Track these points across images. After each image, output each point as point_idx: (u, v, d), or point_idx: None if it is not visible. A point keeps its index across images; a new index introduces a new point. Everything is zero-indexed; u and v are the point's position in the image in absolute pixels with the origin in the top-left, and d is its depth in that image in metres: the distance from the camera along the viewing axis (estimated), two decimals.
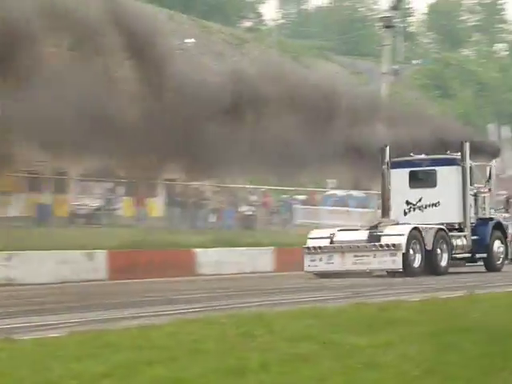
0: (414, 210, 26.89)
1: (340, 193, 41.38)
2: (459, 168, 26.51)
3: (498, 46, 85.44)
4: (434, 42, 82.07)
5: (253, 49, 56.54)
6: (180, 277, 25.23)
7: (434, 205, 26.72)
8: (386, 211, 26.62)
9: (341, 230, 26.25)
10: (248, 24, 79.31)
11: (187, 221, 34.49)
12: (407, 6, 75.35)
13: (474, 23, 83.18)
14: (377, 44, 57.43)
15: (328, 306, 14.88)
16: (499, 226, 27.85)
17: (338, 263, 25.26)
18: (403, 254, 24.10)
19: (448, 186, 26.67)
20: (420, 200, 26.84)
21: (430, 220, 26.10)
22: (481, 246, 26.94)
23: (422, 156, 27.14)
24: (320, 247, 25.38)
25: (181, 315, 14.26)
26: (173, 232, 30.18)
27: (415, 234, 24.81)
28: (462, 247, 26.57)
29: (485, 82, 66.71)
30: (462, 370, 10.50)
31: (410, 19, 78.77)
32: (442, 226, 25.92)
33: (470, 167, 26.54)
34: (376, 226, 25.49)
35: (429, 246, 24.87)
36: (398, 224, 25.68)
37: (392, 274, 24.41)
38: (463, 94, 64.77)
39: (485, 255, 27.14)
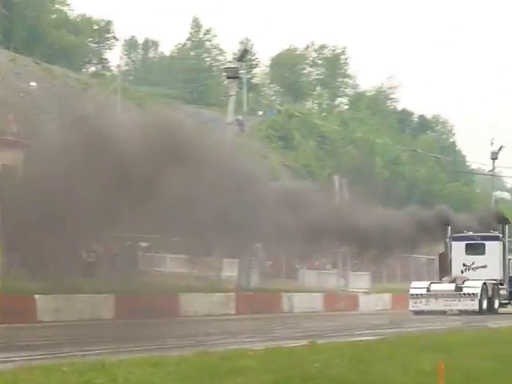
0: (469, 270, 39.21)
1: None
2: (500, 242, 39.96)
3: (340, 100, 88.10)
4: (278, 93, 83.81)
5: (96, 94, 55.90)
6: (20, 323, 24.53)
7: (483, 267, 39.13)
8: (446, 271, 39.12)
9: (433, 283, 38.52)
10: (93, 69, 78.69)
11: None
12: (252, 57, 76.69)
13: (316, 77, 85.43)
14: (222, 94, 58.23)
15: (171, 355, 14.77)
16: None
17: (433, 305, 37.36)
18: (478, 300, 36.70)
19: (493, 254, 39.50)
20: (473, 263, 39.26)
21: (479, 277, 38.42)
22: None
23: (473, 233, 39.89)
24: (422, 294, 37.63)
25: (24, 362, 13.81)
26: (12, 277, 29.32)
27: (484, 287, 37.41)
28: (504, 295, 39.51)
29: (326, 135, 68.55)
30: None
31: (254, 70, 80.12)
32: (496, 281, 38.86)
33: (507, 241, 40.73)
34: (454, 280, 37.87)
35: (490, 295, 37.83)
36: (471, 280, 37.92)
37: (470, 312, 36.10)
38: (305, 145, 66.28)
39: None
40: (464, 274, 38.91)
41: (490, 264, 39.34)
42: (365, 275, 51.74)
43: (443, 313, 36.75)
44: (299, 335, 22.11)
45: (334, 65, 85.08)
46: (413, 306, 37.61)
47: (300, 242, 36.25)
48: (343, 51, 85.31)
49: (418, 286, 38.55)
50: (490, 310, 37.71)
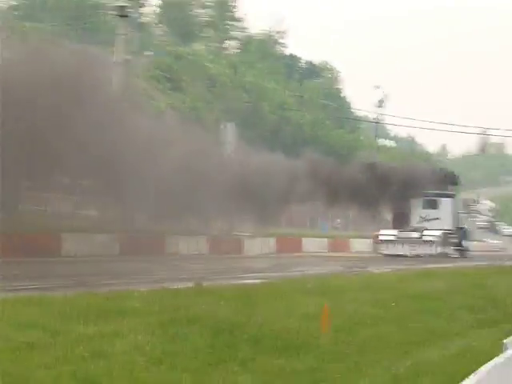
0: (424, 221, 48.39)
1: None
2: (452, 199, 49.97)
3: (229, 43, 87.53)
4: (167, 34, 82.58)
5: None
6: None
7: (437, 219, 48.27)
8: (401, 223, 48.60)
9: (400, 231, 47.42)
10: None
11: None
12: None
13: (206, 18, 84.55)
14: (110, 33, 56.91)
15: (54, 294, 14.48)
16: (465, 232, 51.14)
17: (400, 249, 46.38)
18: (435, 246, 46.18)
19: (445, 209, 48.78)
20: (428, 216, 48.61)
21: (433, 227, 47.55)
22: (459, 242, 49.60)
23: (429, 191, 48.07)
24: (391, 240, 47.21)
25: None
26: None
27: (440, 236, 46.87)
28: (454, 243, 49.20)
29: (215, 78, 68.08)
30: (189, 360, 10.61)
31: (143, 10, 78.62)
32: (448, 231, 48.44)
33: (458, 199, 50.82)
34: (415, 230, 47.47)
35: (444, 242, 47.19)
36: (429, 229, 47.28)
37: (429, 256, 43.57)
38: (193, 88, 65.69)
39: (461, 247, 49.73)
40: (420, 225, 48.45)
41: (442, 217, 48.60)
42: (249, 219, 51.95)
43: (405, 256, 44.77)
44: (184, 277, 22.09)
45: (222, 7, 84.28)
46: (384, 249, 47.52)
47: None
48: None
49: (387, 233, 48.07)
50: (444, 254, 46.90)
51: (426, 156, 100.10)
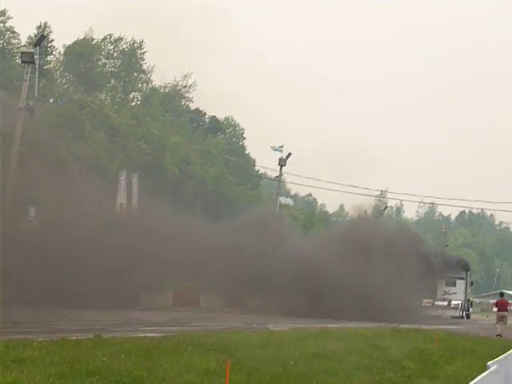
0: (445, 294, 68.99)
1: None
2: (464, 280, 70.38)
3: (134, 95, 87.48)
4: (71, 82, 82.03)
5: None
6: None
7: (454, 293, 68.93)
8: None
9: (436, 301, 68.19)
10: None
11: None
12: (47, 44, 74.61)
13: (111, 69, 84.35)
14: (15, 78, 56.24)
15: None
16: (471, 302, 74.44)
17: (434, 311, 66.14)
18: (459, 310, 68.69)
19: (459, 287, 69.52)
20: (449, 290, 69.33)
21: (453, 299, 68.98)
22: (468, 309, 71.38)
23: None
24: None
25: None
26: None
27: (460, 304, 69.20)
28: (465, 308, 70.35)
29: (118, 128, 67.78)
30: None
31: (49, 57, 77.94)
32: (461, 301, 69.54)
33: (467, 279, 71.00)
34: (443, 299, 68.73)
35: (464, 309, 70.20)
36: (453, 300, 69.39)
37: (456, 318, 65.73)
38: (96, 137, 65.21)
39: (468, 312, 71.39)
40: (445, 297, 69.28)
41: (458, 292, 69.56)
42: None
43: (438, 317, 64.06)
44: (84, 328, 21.69)
45: (129, 58, 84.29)
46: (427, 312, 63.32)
47: None
48: (140, 45, 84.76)
49: (427, 301, 67.00)
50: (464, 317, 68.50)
51: (326, 216, 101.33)
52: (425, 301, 66.41)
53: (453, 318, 66.18)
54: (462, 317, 67.99)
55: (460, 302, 69.30)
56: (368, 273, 51.72)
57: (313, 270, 50.33)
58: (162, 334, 21.23)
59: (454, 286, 69.83)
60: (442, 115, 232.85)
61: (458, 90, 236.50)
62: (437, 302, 68.16)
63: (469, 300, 72.48)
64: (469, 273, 73.66)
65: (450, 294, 69.44)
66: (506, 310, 46.62)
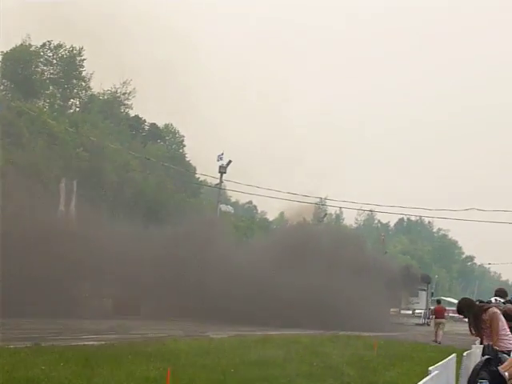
0: (409, 304, 75.36)
1: None
2: (426, 291, 77.43)
3: (73, 102, 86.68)
4: (9, 89, 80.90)
5: None
6: None
7: (417, 303, 75.46)
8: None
9: (400, 309, 75.12)
10: None
11: None
12: None
13: (50, 76, 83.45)
14: None
15: None
16: (431, 310, 60.64)
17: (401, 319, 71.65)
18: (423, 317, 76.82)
19: (422, 297, 76.33)
20: (413, 300, 74.11)
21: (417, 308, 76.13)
22: (429, 317, 70.64)
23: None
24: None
25: None
26: None
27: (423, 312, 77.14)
28: (426, 316, 75.01)
29: (56, 135, 67.10)
30: None
31: None
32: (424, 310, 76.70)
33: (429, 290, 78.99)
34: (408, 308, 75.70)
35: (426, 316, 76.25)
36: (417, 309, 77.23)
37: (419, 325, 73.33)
38: (34, 144, 64.46)
39: (429, 319, 69.38)
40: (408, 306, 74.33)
41: (420, 301, 75.42)
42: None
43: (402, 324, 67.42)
44: (22, 337, 21.41)
45: (68, 65, 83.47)
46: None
47: None
48: (79, 52, 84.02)
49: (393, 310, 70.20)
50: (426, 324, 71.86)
51: (266, 224, 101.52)
52: (392, 310, 70.41)
53: (417, 324, 72.52)
54: (424, 324, 73.80)
55: (422, 310, 76.33)
56: (314, 281, 51.98)
57: (248, 277, 50.46)
58: (102, 343, 21.07)
59: (417, 296, 75.77)
60: (378, 122, 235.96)
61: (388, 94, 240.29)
62: (402, 311, 74.58)
63: (429, 309, 77.42)
64: (429, 285, 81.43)
65: (413, 304, 75.60)
66: (443, 317, 47.34)
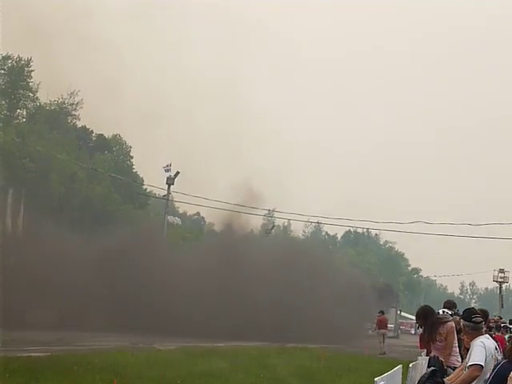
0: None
1: None
2: (395, 308, 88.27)
3: (19, 112, 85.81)
4: None
5: None
6: None
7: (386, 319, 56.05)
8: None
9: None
10: None
11: None
12: None
13: None
14: None
15: None
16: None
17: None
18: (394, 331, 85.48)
19: (391, 313, 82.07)
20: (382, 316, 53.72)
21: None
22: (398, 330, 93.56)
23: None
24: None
25: None
26: None
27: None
28: (396, 330, 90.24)
29: (2, 146, 66.43)
30: None
31: None
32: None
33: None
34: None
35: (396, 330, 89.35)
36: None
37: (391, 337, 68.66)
38: None
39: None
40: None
41: (389, 317, 68.44)
42: None
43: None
44: None
45: (16, 76, 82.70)
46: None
47: None
48: (28, 63, 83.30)
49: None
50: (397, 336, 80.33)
51: (214, 234, 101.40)
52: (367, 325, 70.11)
53: (389, 337, 70.65)
54: (394, 336, 77.56)
55: (393, 325, 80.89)
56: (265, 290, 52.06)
57: (196, 289, 50.45)
58: (48, 354, 20.90)
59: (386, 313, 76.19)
60: (325, 136, 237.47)
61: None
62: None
63: (397, 323, 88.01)
64: (398, 302, 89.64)
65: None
66: (386, 328, 47.86)
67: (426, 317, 13.24)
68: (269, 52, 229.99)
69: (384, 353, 44.02)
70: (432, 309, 13.63)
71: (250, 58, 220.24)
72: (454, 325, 12.95)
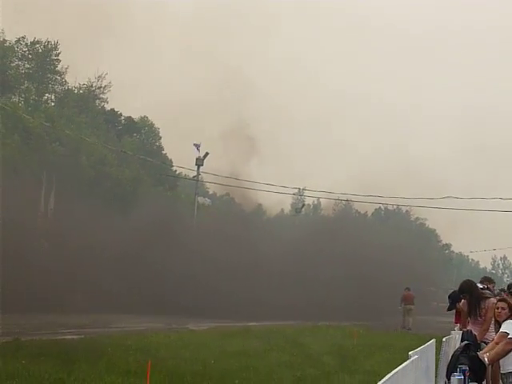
0: None
1: None
2: None
3: (48, 96, 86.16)
4: None
5: None
6: None
7: None
8: None
9: None
10: None
11: None
12: None
13: (25, 71, 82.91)
14: None
15: None
16: None
17: None
18: None
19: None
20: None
21: None
22: None
23: None
24: None
25: None
26: None
27: None
28: None
29: (32, 131, 66.75)
30: None
31: None
32: None
33: None
34: None
35: None
36: None
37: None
38: (10, 140, 64.09)
39: None
40: None
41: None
42: None
43: None
44: (1, 331, 21.31)
45: (44, 60, 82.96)
46: None
47: None
48: (55, 47, 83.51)
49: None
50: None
51: (242, 214, 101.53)
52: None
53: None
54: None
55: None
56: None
57: (231, 269, 50.63)
58: (82, 336, 21.05)
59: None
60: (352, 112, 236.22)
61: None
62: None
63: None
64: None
65: None
66: (412, 303, 47.79)
67: (471, 291, 13.13)
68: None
69: (409, 329, 44.00)
70: (474, 283, 13.54)
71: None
72: (495, 301, 12.82)
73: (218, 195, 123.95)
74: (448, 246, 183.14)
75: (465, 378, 9.39)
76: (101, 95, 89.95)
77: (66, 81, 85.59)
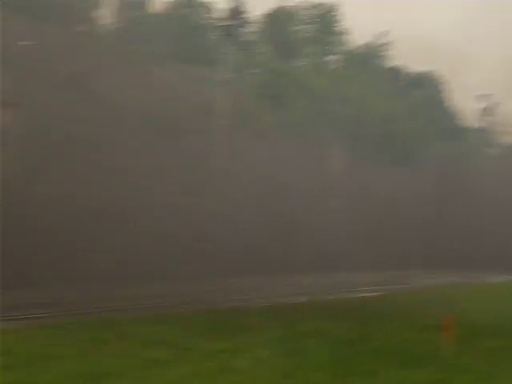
0: None
1: None
2: None
3: (332, 58, 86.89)
4: (268, 52, 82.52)
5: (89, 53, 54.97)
6: None
7: None
8: None
9: None
10: (82, 28, 76.68)
11: None
12: (243, 15, 75.31)
13: (308, 34, 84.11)
14: (212, 52, 57.36)
15: (176, 311, 14.53)
16: None
17: None
18: None
19: None
20: None
21: None
22: None
23: None
24: None
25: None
26: None
27: None
28: None
29: (317, 94, 67.76)
30: (314, 374, 10.31)
31: (245, 29, 78.73)
32: None
33: None
34: None
35: None
36: None
37: None
38: (297, 104, 65.49)
39: None
40: None
41: None
42: None
43: None
44: (295, 292, 21.86)
45: (326, 21, 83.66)
46: None
47: None
48: (337, 7, 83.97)
49: None
50: None
51: None
52: None
53: None
54: None
55: None
56: None
57: None
58: (378, 294, 21.09)
59: None
60: None
61: None
62: None
63: None
64: None
65: None
66: None
67: None
68: None
69: None
70: None
71: None
72: None
73: (505, 145, 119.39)
74: None
75: None
76: (383, 52, 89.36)
77: (347, 41, 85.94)
